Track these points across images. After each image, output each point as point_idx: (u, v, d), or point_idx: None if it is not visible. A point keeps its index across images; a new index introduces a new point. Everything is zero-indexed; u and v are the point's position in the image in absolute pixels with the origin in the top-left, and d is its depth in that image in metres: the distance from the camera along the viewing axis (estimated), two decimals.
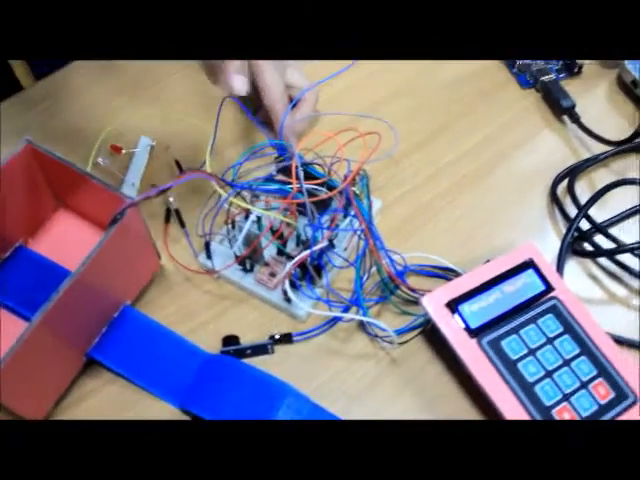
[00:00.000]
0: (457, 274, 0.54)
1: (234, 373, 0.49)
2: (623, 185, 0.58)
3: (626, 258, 0.56)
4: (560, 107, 0.65)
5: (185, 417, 0.49)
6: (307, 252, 0.49)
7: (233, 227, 0.53)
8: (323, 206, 0.54)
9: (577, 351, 0.49)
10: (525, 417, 0.46)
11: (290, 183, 0.50)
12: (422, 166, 0.62)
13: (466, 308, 0.49)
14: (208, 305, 0.54)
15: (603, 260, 0.57)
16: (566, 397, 0.47)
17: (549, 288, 0.51)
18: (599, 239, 0.57)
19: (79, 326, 0.48)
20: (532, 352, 0.49)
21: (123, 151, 0.61)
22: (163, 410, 0.49)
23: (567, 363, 0.49)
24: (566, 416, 0.47)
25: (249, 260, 0.53)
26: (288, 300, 0.52)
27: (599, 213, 0.58)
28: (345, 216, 0.53)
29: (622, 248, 0.55)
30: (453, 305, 0.49)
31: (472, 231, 0.58)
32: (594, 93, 0.68)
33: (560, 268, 0.55)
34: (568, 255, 0.56)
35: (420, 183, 0.61)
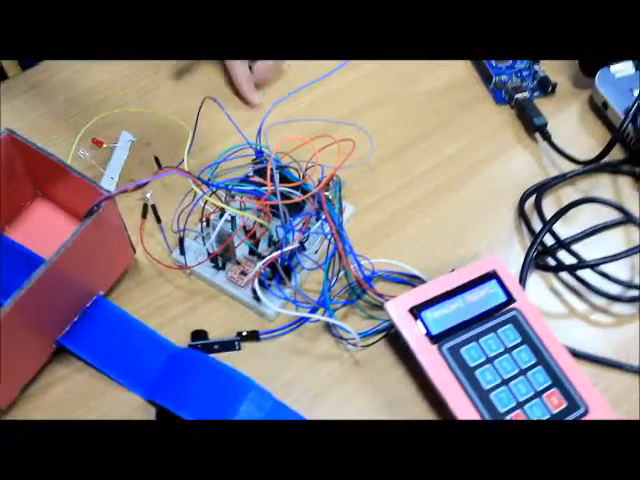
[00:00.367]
0: (422, 281, 0.56)
1: (201, 367, 0.50)
2: (587, 203, 0.60)
3: (586, 274, 0.57)
4: (532, 125, 0.66)
5: (152, 408, 0.50)
6: (277, 253, 0.50)
7: (207, 225, 0.55)
8: (297, 209, 0.55)
9: (533, 361, 0.51)
10: None
11: (265, 185, 0.51)
12: (396, 175, 0.63)
13: (428, 315, 0.51)
14: (179, 300, 0.55)
15: (565, 275, 0.58)
16: (520, 405, 0.49)
17: (510, 299, 0.53)
18: (562, 255, 0.58)
19: (50, 314, 0.49)
20: (490, 360, 0.50)
21: (104, 145, 0.62)
22: (130, 400, 0.50)
23: (523, 372, 0.50)
24: None
25: (221, 258, 0.55)
26: (257, 299, 0.53)
27: (564, 229, 0.59)
28: (317, 219, 0.55)
29: (583, 264, 0.57)
30: (416, 311, 0.51)
31: (440, 240, 0.60)
32: (566, 112, 0.69)
33: (523, 280, 0.56)
34: (531, 268, 0.58)
35: (393, 191, 0.62)
